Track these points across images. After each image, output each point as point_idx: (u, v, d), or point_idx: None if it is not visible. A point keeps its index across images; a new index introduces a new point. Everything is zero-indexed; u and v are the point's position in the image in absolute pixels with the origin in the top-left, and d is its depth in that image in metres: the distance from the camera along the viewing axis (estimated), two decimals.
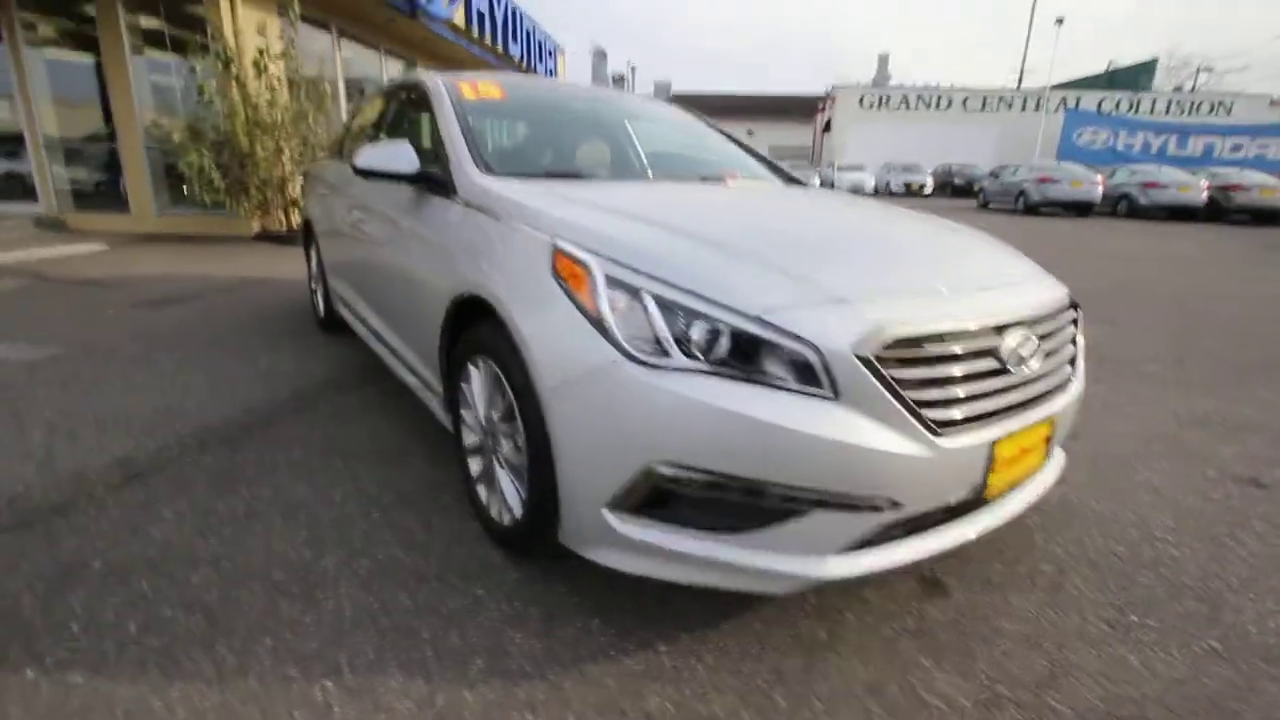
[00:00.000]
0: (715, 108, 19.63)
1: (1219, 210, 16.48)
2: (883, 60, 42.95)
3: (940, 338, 1.31)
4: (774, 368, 1.24)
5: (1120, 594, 1.68)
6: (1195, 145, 26.62)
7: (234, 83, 6.68)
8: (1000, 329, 1.40)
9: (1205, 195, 16.22)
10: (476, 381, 1.79)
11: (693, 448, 1.23)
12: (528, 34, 13.84)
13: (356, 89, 8.60)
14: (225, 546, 1.81)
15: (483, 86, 2.46)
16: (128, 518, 1.95)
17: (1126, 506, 2.13)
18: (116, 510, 1.99)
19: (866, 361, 1.22)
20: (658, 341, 1.27)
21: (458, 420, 1.96)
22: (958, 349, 1.33)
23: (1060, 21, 28.06)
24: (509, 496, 1.70)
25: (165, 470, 2.25)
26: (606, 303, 1.31)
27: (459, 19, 10.26)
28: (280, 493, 2.11)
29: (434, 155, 2.16)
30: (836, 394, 1.22)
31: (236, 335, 3.85)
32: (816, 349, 1.22)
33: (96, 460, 2.30)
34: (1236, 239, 12.24)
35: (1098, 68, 36.40)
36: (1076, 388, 1.65)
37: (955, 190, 25.75)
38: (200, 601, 1.58)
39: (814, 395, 1.22)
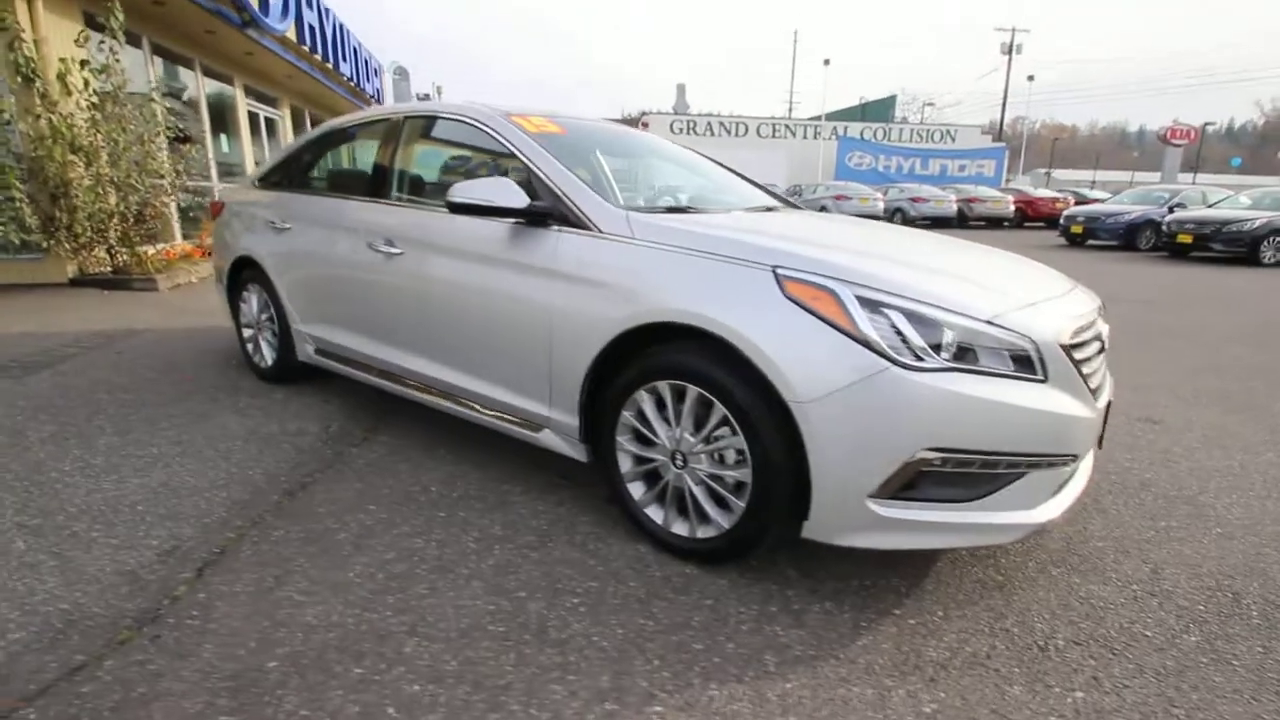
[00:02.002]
0: None
1: (964, 218, 20.49)
2: (680, 89, 46.46)
3: (1084, 328, 1.72)
4: (997, 361, 1.55)
5: (1142, 508, 2.26)
6: (934, 166, 32.70)
7: (39, 100, 5.51)
8: (1095, 320, 1.87)
9: (955, 207, 20.06)
10: (651, 407, 1.87)
11: (955, 433, 1.49)
12: (355, 51, 13.00)
13: (174, 107, 7.38)
14: (405, 615, 1.67)
15: (537, 120, 2.49)
16: (250, 608, 1.69)
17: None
18: (225, 604, 1.72)
19: (1065, 349, 1.58)
20: (909, 347, 1.51)
21: (610, 450, 2.00)
22: (1089, 335, 1.75)
23: (827, 63, 32.91)
24: (710, 511, 1.81)
25: (236, 553, 1.96)
26: (865, 319, 1.52)
27: (291, 33, 9.40)
28: (406, 551, 1.96)
29: (527, 191, 2.15)
30: (1046, 377, 1.57)
31: (165, 397, 3.29)
32: (1034, 343, 1.55)
33: (135, 557, 1.93)
34: (982, 239, 15.32)
35: (851, 101, 42.95)
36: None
37: None
38: (440, 670, 1.48)
39: (1031, 380, 1.56)
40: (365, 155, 3.17)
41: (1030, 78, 40.61)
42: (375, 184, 2.80)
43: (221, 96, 9.76)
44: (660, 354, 1.82)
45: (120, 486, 2.36)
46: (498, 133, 2.37)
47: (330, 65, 11.43)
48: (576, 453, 2.14)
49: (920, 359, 1.51)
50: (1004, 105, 43.82)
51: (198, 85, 8.77)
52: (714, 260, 1.74)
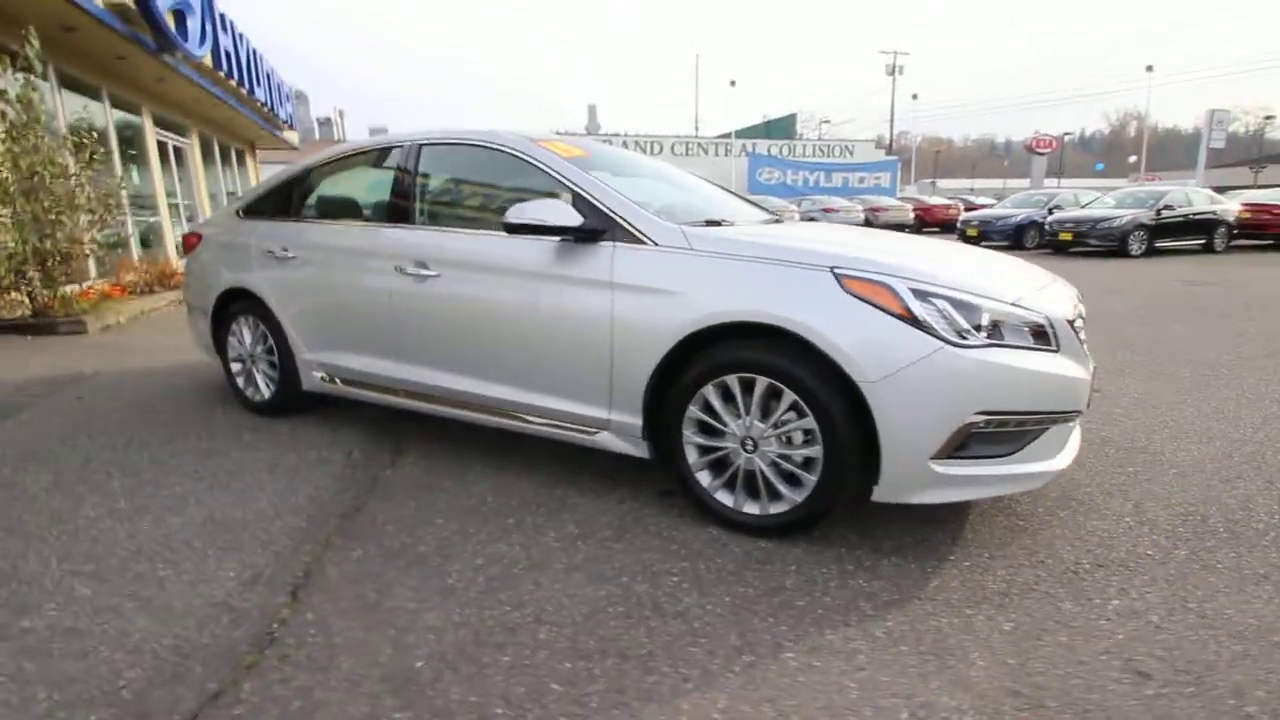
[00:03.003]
0: None
1: (870, 225, 22.02)
2: (592, 110, 47.22)
3: (1077, 306, 2.08)
4: (1021, 336, 1.87)
5: (1109, 459, 2.68)
6: (836, 179, 34.94)
7: None
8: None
9: (863, 216, 21.53)
10: (718, 400, 2.07)
11: (998, 398, 1.79)
12: (268, 76, 12.52)
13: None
14: (524, 609, 1.77)
15: (563, 146, 2.65)
16: (367, 620, 1.74)
17: None
18: (341, 620, 1.75)
19: (1071, 324, 1.92)
20: (955, 329, 1.80)
21: (676, 443, 2.17)
22: (1080, 314, 2.11)
23: (734, 84, 34.65)
24: (782, 488, 2.02)
25: (322, 575, 1.97)
26: (921, 309, 1.80)
27: (206, 59, 8.99)
28: (494, 556, 2.05)
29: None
30: (1059, 348, 1.90)
31: (158, 438, 3.15)
32: (1048, 319, 1.88)
33: (218, 589, 1.91)
34: None
35: (753, 119, 45.10)
36: None
37: None
38: (583, 648, 1.60)
39: (1048, 351, 1.88)
40: (371, 183, 3.21)
41: (915, 96, 44.17)
42: (395, 209, 2.86)
43: (129, 126, 9.18)
44: (729, 351, 2.03)
45: (161, 526, 2.30)
46: (534, 158, 2.51)
47: (245, 91, 10.97)
48: (638, 450, 2.30)
49: (965, 338, 1.80)
50: (891, 121, 47.50)
51: (105, 115, 8.23)
52: (775, 265, 1.98)
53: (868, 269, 1.88)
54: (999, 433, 1.85)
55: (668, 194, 3.05)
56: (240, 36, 10.50)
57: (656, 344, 2.12)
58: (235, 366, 3.57)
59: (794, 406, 1.95)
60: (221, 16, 9.34)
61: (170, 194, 10.42)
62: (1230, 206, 13.29)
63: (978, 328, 1.82)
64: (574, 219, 2.23)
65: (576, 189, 2.37)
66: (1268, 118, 50.02)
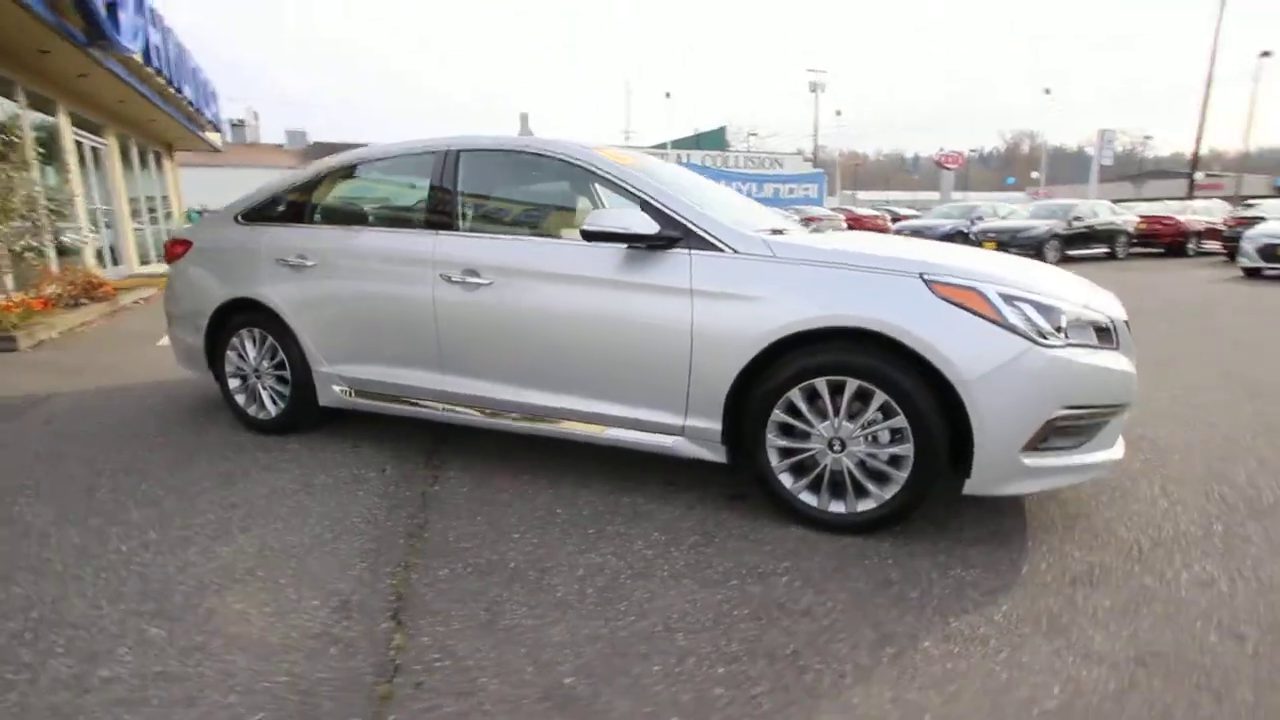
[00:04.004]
0: None
1: None
2: (524, 118, 46.74)
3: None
4: (1089, 336, 2.03)
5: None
6: (768, 189, 36.20)
7: None
8: None
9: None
10: (804, 402, 2.13)
11: (1079, 393, 1.94)
12: (194, 73, 11.71)
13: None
14: (649, 618, 1.76)
15: (616, 155, 2.66)
16: (491, 640, 1.68)
17: None
18: (462, 642, 1.68)
19: (1126, 325, 2.11)
20: (1038, 330, 1.94)
21: (759, 447, 2.21)
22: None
23: (669, 95, 35.31)
24: (870, 486, 2.10)
25: (418, 597, 1.89)
26: (1009, 312, 1.92)
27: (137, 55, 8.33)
28: (593, 567, 2.03)
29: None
30: (1118, 345, 2.08)
31: (161, 464, 2.90)
32: (1111, 320, 2.06)
33: (310, 619, 1.79)
34: None
35: (682, 131, 46.05)
36: None
37: None
38: (729, 653, 1.61)
39: (1110, 349, 2.06)
40: (400, 188, 3.11)
41: (838, 112, 46.34)
42: (434, 216, 2.77)
43: (44, 126, 8.37)
44: (816, 354, 2.09)
45: (212, 557, 2.13)
46: (596, 166, 2.51)
47: (174, 89, 10.23)
48: (714, 455, 2.33)
49: (1047, 339, 1.94)
50: (815, 136, 49.70)
51: (21, 113, 7.48)
52: (863, 272, 2.07)
53: (956, 275, 2.00)
54: (1074, 425, 2.00)
55: (713, 203, 3.10)
56: (168, 30, 9.79)
57: (741, 349, 2.16)
58: (234, 383, 3.34)
59: (882, 407, 2.03)
60: (151, 10, 8.68)
61: (88, 199, 9.57)
62: (1129, 218, 14.70)
63: (1058, 329, 1.97)
64: (652, 227, 2.25)
65: (646, 197, 2.38)
66: (1147, 138, 55.68)
